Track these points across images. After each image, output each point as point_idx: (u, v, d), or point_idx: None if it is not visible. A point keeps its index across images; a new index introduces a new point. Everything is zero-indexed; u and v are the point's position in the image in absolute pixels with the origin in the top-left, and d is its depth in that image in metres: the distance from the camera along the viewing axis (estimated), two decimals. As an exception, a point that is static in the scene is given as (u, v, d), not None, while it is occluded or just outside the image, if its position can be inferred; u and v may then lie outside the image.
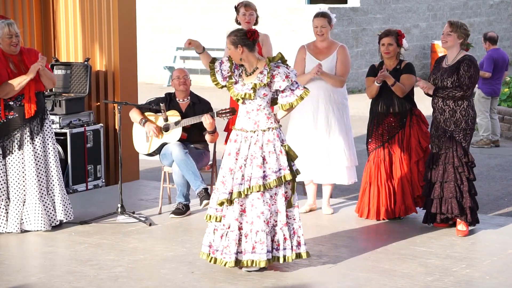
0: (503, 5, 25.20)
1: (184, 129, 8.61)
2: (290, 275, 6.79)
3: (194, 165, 8.41)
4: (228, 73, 6.86)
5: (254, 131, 6.74)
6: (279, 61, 6.78)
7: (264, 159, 6.70)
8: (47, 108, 8.26)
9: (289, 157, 6.76)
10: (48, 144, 8.10)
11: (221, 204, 6.75)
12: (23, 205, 8.05)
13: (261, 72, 6.76)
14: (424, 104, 9.15)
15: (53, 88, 9.77)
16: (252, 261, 6.68)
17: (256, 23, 8.81)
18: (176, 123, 8.60)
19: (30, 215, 8.02)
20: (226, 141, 8.84)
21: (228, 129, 8.85)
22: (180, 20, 21.81)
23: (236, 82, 6.83)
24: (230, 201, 6.71)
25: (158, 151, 8.71)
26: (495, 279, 6.70)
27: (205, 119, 8.38)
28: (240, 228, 6.71)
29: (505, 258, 7.24)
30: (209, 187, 8.65)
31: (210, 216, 6.85)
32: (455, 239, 7.75)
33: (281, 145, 6.76)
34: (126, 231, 8.08)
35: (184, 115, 8.64)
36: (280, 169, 6.70)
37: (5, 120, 7.98)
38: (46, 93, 9.05)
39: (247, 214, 6.70)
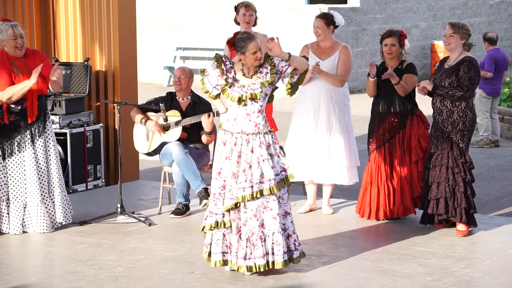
0: (503, 5, 25.19)
1: (184, 128, 8.62)
2: (290, 275, 6.79)
3: (194, 165, 8.41)
4: (218, 80, 6.76)
5: (256, 134, 6.70)
6: (272, 56, 6.79)
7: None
8: (48, 109, 8.25)
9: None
10: (49, 145, 8.10)
11: (228, 210, 6.67)
12: (24, 207, 8.04)
13: (260, 72, 6.75)
14: (425, 104, 9.15)
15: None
16: (273, 263, 6.65)
17: (255, 24, 8.82)
18: (177, 123, 8.60)
19: (32, 217, 8.02)
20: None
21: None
22: (180, 20, 21.82)
23: (231, 85, 6.74)
24: (236, 206, 6.66)
25: (158, 150, 8.72)
26: (495, 279, 6.70)
27: (204, 118, 8.39)
28: (252, 233, 6.64)
29: (505, 258, 7.24)
30: (209, 187, 8.61)
31: (217, 223, 6.72)
32: (455, 239, 7.76)
33: (279, 147, 6.79)
34: (126, 231, 8.08)
35: (184, 114, 8.65)
36: (281, 171, 6.71)
37: (6, 123, 7.98)
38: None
39: (258, 218, 6.63)
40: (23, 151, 8.00)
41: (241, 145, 6.69)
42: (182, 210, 8.61)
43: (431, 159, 7.97)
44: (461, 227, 7.87)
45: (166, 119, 8.63)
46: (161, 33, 22.07)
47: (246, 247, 6.63)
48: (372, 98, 8.45)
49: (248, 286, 6.55)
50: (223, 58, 6.82)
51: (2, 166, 8.01)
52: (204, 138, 8.61)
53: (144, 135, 8.78)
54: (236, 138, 6.72)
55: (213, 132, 8.55)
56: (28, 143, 7.99)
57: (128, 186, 9.78)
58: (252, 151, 6.67)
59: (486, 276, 6.76)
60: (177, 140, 8.60)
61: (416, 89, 7.98)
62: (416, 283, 6.60)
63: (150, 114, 8.80)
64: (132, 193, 9.55)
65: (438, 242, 7.65)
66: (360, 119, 13.90)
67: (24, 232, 8.03)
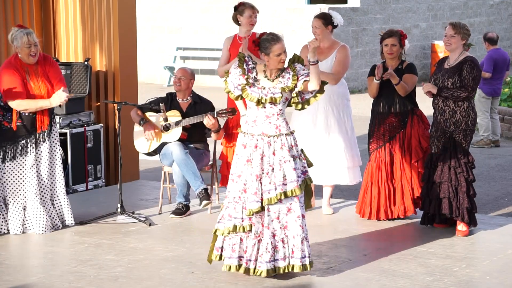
0: (503, 5, 25.20)
1: (184, 128, 8.62)
2: (289, 275, 6.78)
3: (194, 165, 8.41)
4: (239, 79, 6.67)
5: (278, 136, 6.60)
6: (297, 62, 6.70)
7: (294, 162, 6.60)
8: (54, 113, 8.25)
9: (306, 162, 6.76)
10: (54, 149, 8.10)
11: (253, 214, 6.56)
12: (24, 210, 8.04)
13: (282, 76, 6.65)
14: (425, 104, 9.14)
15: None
16: (293, 266, 6.59)
17: (252, 25, 8.88)
18: (177, 123, 8.60)
19: (32, 219, 8.01)
20: (226, 141, 8.84)
21: (226, 128, 8.85)
22: (180, 20, 21.82)
23: (251, 85, 6.65)
24: (261, 208, 6.57)
25: (158, 150, 8.72)
26: (495, 279, 6.70)
27: (208, 121, 8.39)
28: (274, 235, 6.57)
29: (505, 258, 7.24)
30: (209, 187, 8.65)
31: (236, 227, 6.62)
32: (455, 239, 7.76)
33: (301, 150, 6.72)
34: (126, 231, 8.08)
35: (184, 115, 8.64)
36: (302, 174, 6.63)
37: (10, 127, 7.97)
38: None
39: (281, 220, 6.56)
40: (26, 155, 7.99)
41: (263, 147, 6.60)
42: (182, 210, 8.62)
43: (431, 159, 7.97)
44: (461, 227, 7.87)
45: (166, 119, 8.63)
46: (161, 33, 22.07)
47: (272, 250, 6.56)
48: (372, 98, 8.44)
49: (248, 286, 6.55)
50: (246, 58, 6.73)
51: (1, 168, 8.00)
52: (213, 136, 8.63)
53: (144, 135, 8.77)
54: (257, 140, 6.62)
55: (220, 128, 8.56)
56: (32, 147, 7.99)
57: (128, 186, 9.78)
58: (274, 153, 6.58)
59: (486, 276, 6.76)
60: (178, 140, 8.60)
61: (422, 90, 7.97)
62: (416, 283, 6.60)
63: (150, 114, 8.80)
64: (132, 193, 9.55)
65: (438, 242, 7.65)
66: (360, 119, 13.90)
67: (24, 232, 8.04)
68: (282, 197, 6.52)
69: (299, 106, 6.76)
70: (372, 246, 7.59)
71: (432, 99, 8.00)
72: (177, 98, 8.78)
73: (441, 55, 20.36)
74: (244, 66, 6.69)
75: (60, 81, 8.01)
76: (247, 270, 6.63)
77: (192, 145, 8.67)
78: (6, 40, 9.56)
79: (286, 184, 6.54)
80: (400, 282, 6.62)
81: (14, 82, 7.82)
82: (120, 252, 7.44)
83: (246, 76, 6.65)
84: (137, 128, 8.84)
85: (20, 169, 8.02)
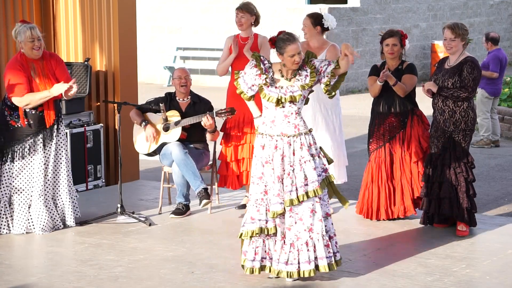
0: (503, 5, 25.20)
1: (184, 128, 8.62)
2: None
3: (194, 165, 8.41)
4: (255, 80, 6.57)
5: (297, 135, 6.53)
6: (312, 58, 6.64)
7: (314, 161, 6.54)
8: (61, 112, 8.24)
9: (327, 159, 6.72)
10: (61, 148, 8.10)
11: (277, 216, 6.50)
12: (28, 209, 8.04)
13: (299, 74, 6.58)
14: (425, 104, 9.15)
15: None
16: (329, 265, 6.53)
17: (257, 24, 8.80)
18: (176, 123, 8.60)
19: (34, 220, 8.02)
20: (224, 141, 8.83)
21: (225, 128, 8.83)
22: (180, 20, 21.82)
23: (269, 85, 6.55)
24: (285, 210, 6.51)
25: (158, 151, 8.72)
26: (495, 279, 6.70)
27: (206, 120, 8.39)
28: (298, 238, 6.50)
29: (505, 258, 7.24)
30: (209, 187, 8.65)
31: (261, 229, 6.56)
32: (455, 239, 7.75)
33: (320, 147, 6.68)
34: (126, 231, 8.08)
35: (184, 114, 8.65)
36: (322, 172, 6.59)
37: (23, 126, 7.97)
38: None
39: (305, 222, 6.48)
40: (34, 154, 7.99)
41: (283, 147, 6.53)
42: (182, 210, 8.62)
43: (431, 159, 7.98)
44: (461, 227, 7.87)
45: (166, 119, 8.63)
46: (161, 33, 22.08)
47: (290, 252, 6.51)
48: (373, 98, 8.44)
49: (248, 286, 6.55)
50: (261, 57, 6.64)
51: (9, 168, 8.01)
52: (208, 136, 8.63)
53: (144, 136, 8.77)
54: (277, 141, 6.54)
55: (216, 129, 8.57)
56: (40, 147, 7.99)
57: (128, 186, 9.78)
58: (293, 153, 6.52)
59: (486, 276, 6.77)
60: (177, 140, 8.60)
61: (422, 90, 7.98)
62: (416, 283, 6.60)
63: (149, 114, 8.80)
64: (132, 193, 9.55)
65: (438, 242, 7.65)
66: (360, 119, 13.90)
67: (27, 232, 8.03)
68: (305, 198, 6.47)
69: (333, 93, 6.71)
70: (372, 246, 7.59)
71: (432, 99, 8.00)
72: (176, 98, 8.78)
73: (441, 55, 20.36)
74: (261, 66, 6.59)
75: (67, 79, 8.02)
76: (279, 273, 6.56)
77: (191, 145, 8.68)
78: (6, 41, 9.58)
79: (307, 185, 6.48)
80: (400, 282, 6.62)
81: (19, 79, 7.83)
82: (120, 252, 7.44)
83: (264, 76, 6.56)
84: (137, 129, 8.84)
85: (29, 168, 8.03)
